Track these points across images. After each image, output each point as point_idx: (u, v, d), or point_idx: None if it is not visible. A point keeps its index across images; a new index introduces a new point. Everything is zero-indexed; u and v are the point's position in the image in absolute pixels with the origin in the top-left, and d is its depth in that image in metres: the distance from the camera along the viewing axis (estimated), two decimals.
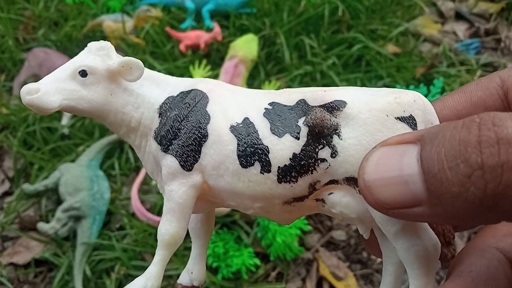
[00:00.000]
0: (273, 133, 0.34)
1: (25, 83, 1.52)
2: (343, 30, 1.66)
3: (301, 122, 0.34)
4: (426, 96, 1.40)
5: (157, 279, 0.36)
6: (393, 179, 0.27)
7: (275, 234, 1.08)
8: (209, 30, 1.66)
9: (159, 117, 0.37)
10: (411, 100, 0.33)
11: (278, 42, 1.56)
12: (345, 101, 0.34)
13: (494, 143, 0.23)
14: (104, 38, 1.67)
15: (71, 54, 0.41)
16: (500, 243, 0.32)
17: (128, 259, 1.09)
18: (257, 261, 1.08)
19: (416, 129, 0.32)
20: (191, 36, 1.59)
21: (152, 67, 1.49)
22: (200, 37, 1.57)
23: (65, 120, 1.42)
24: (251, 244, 1.11)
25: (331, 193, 0.35)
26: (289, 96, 0.36)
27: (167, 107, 0.37)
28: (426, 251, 0.32)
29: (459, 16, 1.97)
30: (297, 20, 1.60)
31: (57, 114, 1.45)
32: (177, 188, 0.36)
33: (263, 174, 0.34)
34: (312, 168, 0.34)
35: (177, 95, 0.37)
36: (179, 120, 0.36)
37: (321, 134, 0.33)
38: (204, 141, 0.35)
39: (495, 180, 0.23)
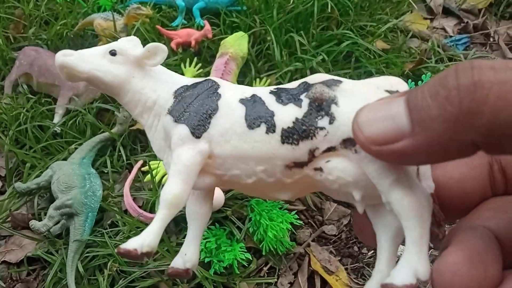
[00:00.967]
0: (278, 102, 0.39)
1: (16, 82, 1.52)
2: (333, 27, 1.67)
3: (303, 96, 0.38)
4: None
5: (156, 236, 0.36)
6: (381, 117, 0.30)
7: (267, 229, 1.09)
8: (200, 28, 1.67)
9: (174, 98, 0.41)
10: (397, 80, 0.39)
11: (268, 39, 1.57)
12: (341, 80, 0.39)
13: (468, 69, 0.26)
14: (95, 36, 1.67)
15: None
16: (486, 222, 0.34)
17: (121, 256, 1.10)
18: (249, 256, 1.09)
19: None
20: (182, 34, 1.59)
21: None
22: (191, 35, 1.58)
23: (57, 118, 1.42)
24: (243, 239, 1.12)
25: (329, 160, 0.37)
26: (291, 84, 0.41)
27: (182, 90, 0.42)
28: (419, 201, 0.33)
29: (448, 12, 1.99)
30: (287, 17, 1.61)
31: (49, 113, 1.46)
32: (186, 152, 0.38)
33: (268, 134, 0.37)
34: (312, 134, 0.37)
35: (191, 84, 0.42)
36: (193, 97, 0.40)
37: (321, 106, 0.37)
38: (215, 114, 0.39)
39: (468, 97, 0.25)
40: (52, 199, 1.21)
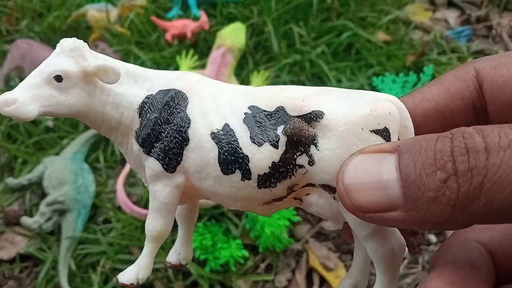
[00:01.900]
0: (252, 142, 0.35)
1: (8, 75, 1.50)
2: (333, 17, 1.63)
3: (280, 130, 0.35)
4: (416, 84, 1.38)
5: (148, 269, 0.40)
6: (372, 184, 0.29)
7: (264, 226, 1.06)
8: (196, 19, 1.63)
9: (139, 117, 0.38)
10: (386, 112, 0.35)
11: (266, 30, 1.54)
12: (323, 112, 0.35)
13: (464, 152, 0.26)
14: (89, 28, 1.64)
15: (55, 46, 0.38)
16: (480, 236, 0.34)
17: (114, 253, 1.07)
18: (245, 253, 1.06)
19: (390, 141, 0.34)
20: (177, 25, 1.55)
21: (137, 58, 1.47)
22: (187, 26, 1.54)
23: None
24: (239, 236, 1.09)
25: (308, 194, 0.37)
26: (269, 100, 0.36)
27: (146, 107, 0.37)
28: (393, 252, 0.35)
29: (450, 3, 1.95)
30: (286, 8, 1.58)
31: None
32: (162, 189, 0.38)
33: (244, 181, 0.36)
34: (291, 173, 0.35)
35: (156, 94, 0.38)
36: (160, 123, 0.37)
37: (300, 143, 0.35)
38: (186, 145, 0.36)
39: (466, 183, 0.26)
40: (44, 195, 1.19)
